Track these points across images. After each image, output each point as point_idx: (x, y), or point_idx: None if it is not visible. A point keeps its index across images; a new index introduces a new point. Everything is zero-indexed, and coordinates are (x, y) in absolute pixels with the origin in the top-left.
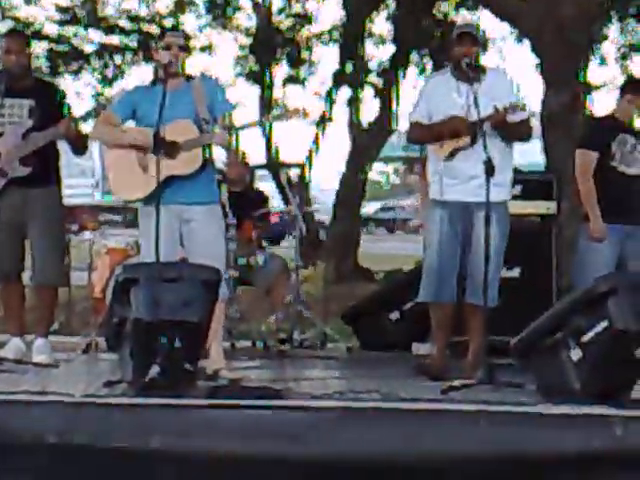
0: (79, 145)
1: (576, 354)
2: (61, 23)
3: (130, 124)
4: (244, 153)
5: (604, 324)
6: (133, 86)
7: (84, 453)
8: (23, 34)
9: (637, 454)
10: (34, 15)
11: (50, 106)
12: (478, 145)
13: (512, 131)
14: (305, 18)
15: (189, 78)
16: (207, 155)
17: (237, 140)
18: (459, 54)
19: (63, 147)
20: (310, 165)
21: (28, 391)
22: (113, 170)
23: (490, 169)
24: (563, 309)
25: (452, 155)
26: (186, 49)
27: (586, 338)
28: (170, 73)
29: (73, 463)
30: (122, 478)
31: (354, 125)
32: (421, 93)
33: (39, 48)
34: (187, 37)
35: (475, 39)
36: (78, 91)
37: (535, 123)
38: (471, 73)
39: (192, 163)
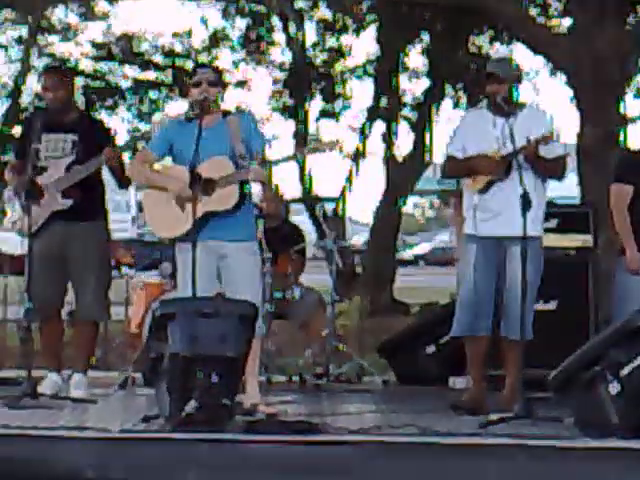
0: (123, 177)
1: (615, 388)
2: (96, 59)
3: (167, 160)
4: (278, 187)
5: None
6: (169, 119)
7: None
8: (60, 70)
9: None
10: (70, 51)
11: (94, 140)
12: (511, 178)
13: (545, 166)
14: (339, 52)
15: (225, 114)
16: (246, 191)
17: (271, 174)
18: (490, 92)
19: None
20: (345, 198)
21: (65, 426)
22: (149, 206)
23: (527, 203)
24: (601, 342)
25: (486, 188)
26: (217, 84)
27: (625, 371)
28: (204, 109)
29: None
30: None
31: (389, 159)
32: (457, 128)
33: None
34: (220, 72)
35: (499, 78)
36: (114, 127)
37: (572, 156)
38: (507, 107)
39: (229, 199)
